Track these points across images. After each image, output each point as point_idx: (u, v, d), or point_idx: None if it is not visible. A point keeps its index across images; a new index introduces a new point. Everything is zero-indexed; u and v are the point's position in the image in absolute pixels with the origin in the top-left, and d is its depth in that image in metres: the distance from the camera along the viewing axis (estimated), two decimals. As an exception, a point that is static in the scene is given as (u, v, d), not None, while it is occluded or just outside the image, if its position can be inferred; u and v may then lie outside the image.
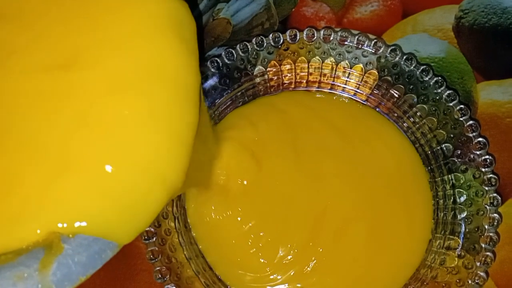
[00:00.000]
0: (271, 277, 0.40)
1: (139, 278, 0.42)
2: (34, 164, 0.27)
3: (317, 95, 0.44)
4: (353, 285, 0.41)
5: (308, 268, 0.40)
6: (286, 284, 0.40)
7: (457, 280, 0.38)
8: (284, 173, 0.42)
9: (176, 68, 0.29)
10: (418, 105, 0.41)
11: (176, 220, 0.40)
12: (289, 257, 0.40)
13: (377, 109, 0.44)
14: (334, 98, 0.44)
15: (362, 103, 0.44)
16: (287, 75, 0.43)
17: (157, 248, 0.37)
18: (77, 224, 0.26)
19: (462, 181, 0.40)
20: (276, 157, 0.42)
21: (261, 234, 0.41)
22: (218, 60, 0.41)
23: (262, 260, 0.41)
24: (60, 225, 0.26)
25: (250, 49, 0.41)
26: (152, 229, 0.37)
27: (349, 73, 0.43)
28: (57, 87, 0.28)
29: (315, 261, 0.40)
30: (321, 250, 0.40)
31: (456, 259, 0.39)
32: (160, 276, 0.37)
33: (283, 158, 0.42)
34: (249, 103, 0.44)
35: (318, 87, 0.44)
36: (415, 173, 0.42)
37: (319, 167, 0.42)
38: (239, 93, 0.43)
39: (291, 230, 0.41)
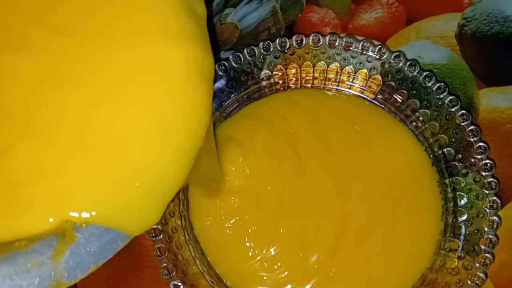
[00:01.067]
0: None
1: (145, 275, 0.43)
2: (48, 153, 0.27)
3: (327, 92, 0.44)
4: None
5: (330, 275, 0.40)
6: None
7: (457, 281, 0.38)
8: (319, 173, 0.41)
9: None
10: (421, 110, 0.42)
11: (183, 219, 0.40)
12: (315, 267, 0.40)
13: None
14: (342, 95, 0.44)
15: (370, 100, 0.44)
16: (292, 79, 0.44)
17: (163, 245, 0.38)
18: (89, 214, 0.26)
19: (463, 185, 0.41)
20: (312, 154, 0.41)
21: (294, 251, 0.40)
22: (226, 64, 0.41)
23: (288, 277, 0.40)
24: (73, 214, 0.26)
25: (257, 53, 0.42)
26: (159, 227, 0.38)
27: (354, 77, 0.43)
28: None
29: (337, 267, 0.40)
30: (344, 256, 0.40)
31: (456, 260, 0.39)
32: (166, 272, 0.38)
33: (318, 156, 0.41)
34: (263, 98, 0.44)
35: (323, 91, 0.44)
36: (426, 175, 0.42)
37: (346, 168, 0.41)
38: (245, 96, 0.43)
39: (318, 238, 0.40)
